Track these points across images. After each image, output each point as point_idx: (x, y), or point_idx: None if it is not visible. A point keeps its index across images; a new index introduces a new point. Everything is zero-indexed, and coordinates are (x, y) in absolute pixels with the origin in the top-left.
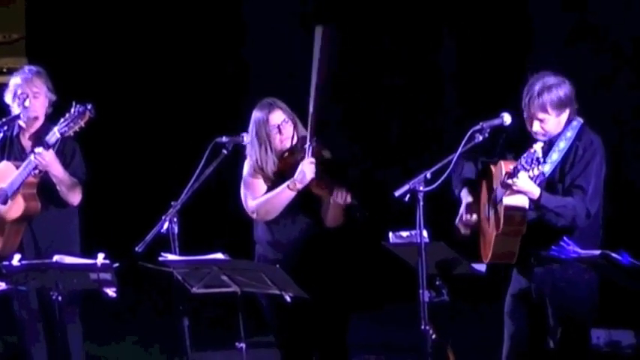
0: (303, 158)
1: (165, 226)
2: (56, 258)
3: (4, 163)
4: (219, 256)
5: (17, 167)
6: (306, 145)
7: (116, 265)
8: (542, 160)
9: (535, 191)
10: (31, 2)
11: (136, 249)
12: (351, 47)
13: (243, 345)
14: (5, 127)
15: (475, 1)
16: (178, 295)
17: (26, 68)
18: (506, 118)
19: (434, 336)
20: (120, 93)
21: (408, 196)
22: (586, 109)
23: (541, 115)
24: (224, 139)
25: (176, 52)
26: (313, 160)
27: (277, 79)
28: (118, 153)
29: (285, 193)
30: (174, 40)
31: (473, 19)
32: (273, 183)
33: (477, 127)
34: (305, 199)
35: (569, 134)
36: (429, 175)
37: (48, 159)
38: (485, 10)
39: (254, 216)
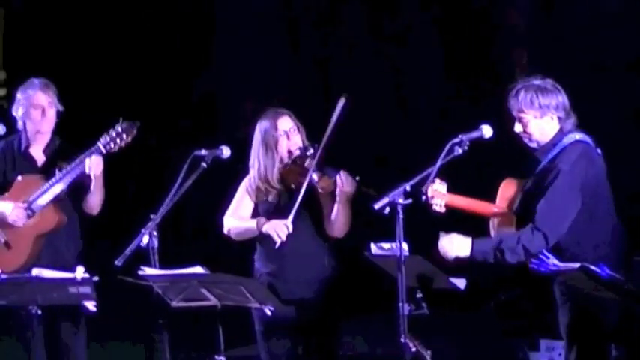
0: (304, 166)
1: (145, 239)
2: (35, 272)
3: (25, 177)
4: (198, 269)
5: (40, 180)
6: (309, 153)
7: (96, 278)
8: (424, 197)
9: (461, 251)
10: None
11: (116, 263)
12: None
13: (222, 358)
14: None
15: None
16: (158, 309)
17: (35, 81)
18: (486, 131)
19: (414, 349)
20: (101, 105)
21: (387, 208)
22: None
23: (519, 115)
24: (203, 152)
25: (153, 63)
26: (287, 222)
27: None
28: None
29: (249, 231)
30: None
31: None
32: (273, 196)
33: (456, 139)
34: (307, 211)
35: (555, 151)
36: (408, 188)
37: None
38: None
39: (225, 230)
